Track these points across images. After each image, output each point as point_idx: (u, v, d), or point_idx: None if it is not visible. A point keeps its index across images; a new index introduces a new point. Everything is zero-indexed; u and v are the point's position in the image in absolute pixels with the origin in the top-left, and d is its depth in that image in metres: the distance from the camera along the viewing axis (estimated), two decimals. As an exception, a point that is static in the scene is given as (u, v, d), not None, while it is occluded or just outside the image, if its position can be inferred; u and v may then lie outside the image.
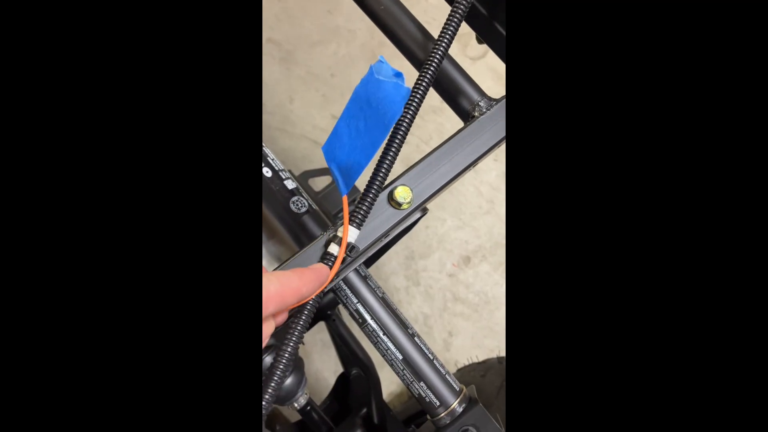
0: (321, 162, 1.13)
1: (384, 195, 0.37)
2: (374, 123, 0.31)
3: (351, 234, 0.34)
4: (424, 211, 0.40)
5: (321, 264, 0.34)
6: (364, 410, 0.67)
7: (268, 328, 0.30)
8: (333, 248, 0.34)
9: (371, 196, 0.35)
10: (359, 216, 0.35)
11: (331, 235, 0.35)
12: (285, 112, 1.19)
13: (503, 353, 1.01)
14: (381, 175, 0.34)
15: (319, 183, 1.05)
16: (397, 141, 0.35)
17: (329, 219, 0.47)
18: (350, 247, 0.34)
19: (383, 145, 0.34)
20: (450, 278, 1.11)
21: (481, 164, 0.41)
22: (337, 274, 0.36)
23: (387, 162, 0.34)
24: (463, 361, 0.98)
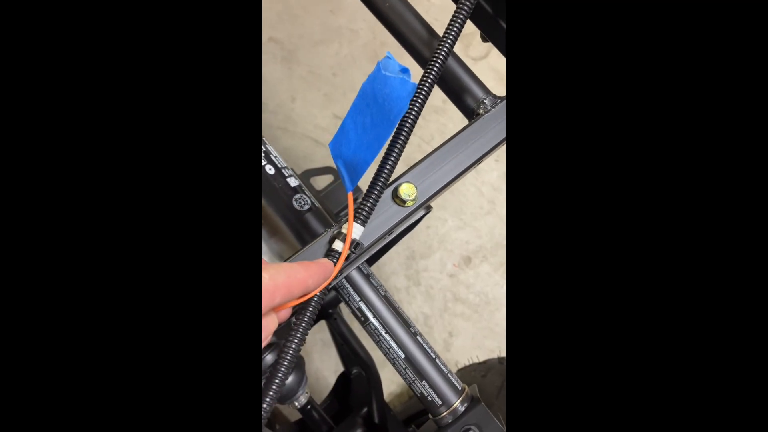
0: (322, 161, 1.13)
1: (388, 192, 0.37)
2: (380, 119, 0.31)
3: (355, 231, 0.34)
4: (428, 208, 0.40)
5: (326, 259, 0.34)
6: (365, 409, 0.67)
7: (271, 323, 0.29)
8: (337, 245, 0.34)
9: (376, 192, 0.34)
10: (364, 213, 0.35)
11: (335, 232, 0.35)
12: (287, 111, 1.19)
13: (503, 354, 1.01)
14: (386, 172, 0.34)
15: (321, 182, 1.05)
16: (402, 137, 0.35)
17: (331, 217, 0.47)
18: (354, 244, 0.34)
19: (388, 141, 0.34)
20: (451, 278, 1.11)
21: (482, 165, 0.41)
22: (341, 271, 0.35)
23: (392, 159, 0.34)
24: (464, 362, 0.98)
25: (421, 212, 0.39)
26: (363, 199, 0.35)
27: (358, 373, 0.70)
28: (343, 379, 0.74)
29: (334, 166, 0.86)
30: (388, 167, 0.35)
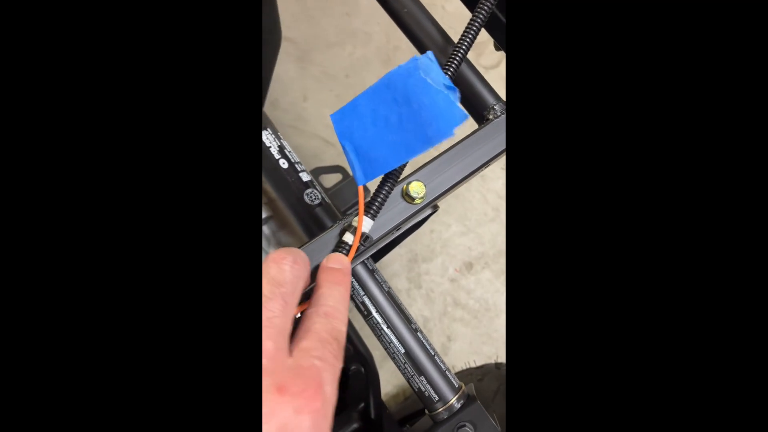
0: (331, 160, 1.14)
1: (398, 189, 0.38)
2: (413, 128, 0.29)
3: (365, 224, 0.35)
4: (435, 208, 0.41)
5: (341, 255, 0.35)
6: (362, 405, 0.68)
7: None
8: (348, 237, 0.35)
9: (386, 189, 0.36)
10: (374, 207, 0.36)
11: (346, 224, 0.37)
12: (298, 110, 1.21)
13: (501, 360, 1.02)
14: (397, 169, 0.36)
15: (328, 181, 1.07)
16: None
17: (340, 214, 0.48)
18: (364, 237, 0.35)
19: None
20: (452, 283, 1.12)
21: (488, 172, 0.42)
22: (353, 261, 0.37)
23: (402, 158, 0.35)
24: (461, 366, 0.98)
25: (428, 211, 0.40)
26: (374, 195, 0.36)
27: (356, 369, 0.71)
28: (341, 375, 0.74)
29: (343, 166, 0.87)
30: (399, 166, 0.36)
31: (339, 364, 0.27)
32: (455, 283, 1.12)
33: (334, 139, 1.18)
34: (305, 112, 1.20)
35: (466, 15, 0.42)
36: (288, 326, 0.27)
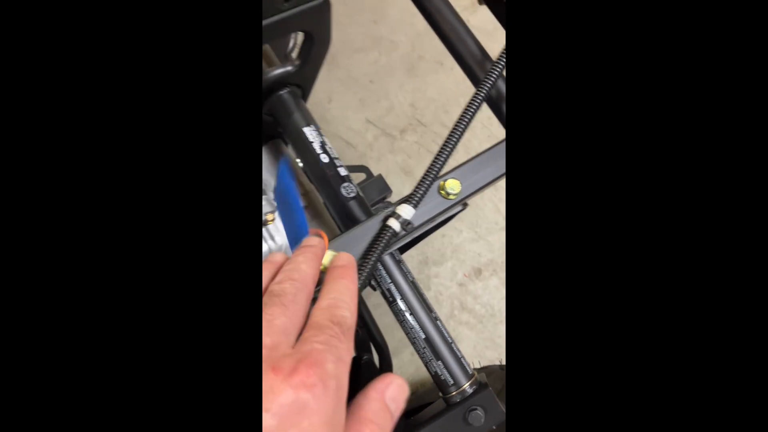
0: (352, 161, 1.18)
1: (436, 185, 0.42)
2: (287, 201, 0.38)
3: (407, 212, 0.39)
4: (465, 205, 0.44)
5: (345, 254, 0.35)
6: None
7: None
8: (392, 222, 0.39)
9: (427, 183, 0.40)
10: (416, 198, 0.40)
11: (390, 212, 0.41)
12: (322, 111, 1.25)
13: (504, 362, 1.05)
14: (437, 166, 0.40)
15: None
16: (453, 141, 0.40)
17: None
18: (406, 223, 0.39)
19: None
20: (459, 287, 1.15)
21: (501, 181, 0.45)
22: (394, 244, 0.40)
23: (443, 156, 0.39)
24: (464, 366, 1.01)
25: (459, 207, 0.44)
26: (416, 187, 0.40)
27: (368, 359, 0.75)
28: (353, 364, 0.78)
29: (366, 165, 0.91)
30: (439, 163, 0.40)
31: (343, 345, 0.27)
32: (463, 287, 1.15)
33: (356, 140, 1.22)
34: (329, 113, 1.25)
35: (490, 29, 0.46)
36: (289, 326, 0.28)
